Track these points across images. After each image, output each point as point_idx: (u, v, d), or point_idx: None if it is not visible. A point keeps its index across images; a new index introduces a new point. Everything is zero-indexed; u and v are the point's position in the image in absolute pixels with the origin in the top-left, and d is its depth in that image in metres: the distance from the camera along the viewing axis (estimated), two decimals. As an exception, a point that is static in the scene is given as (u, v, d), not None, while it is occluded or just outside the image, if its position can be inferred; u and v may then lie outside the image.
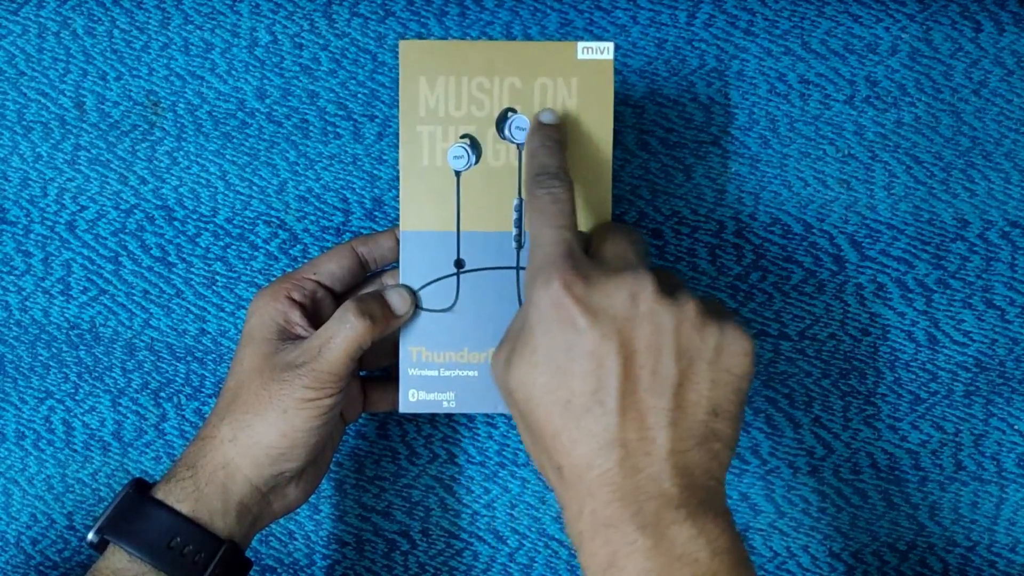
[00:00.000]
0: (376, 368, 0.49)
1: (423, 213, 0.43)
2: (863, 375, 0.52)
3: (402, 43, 0.43)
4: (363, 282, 0.47)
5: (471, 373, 0.43)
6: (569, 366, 0.34)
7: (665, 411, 0.34)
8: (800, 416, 0.52)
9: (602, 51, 0.43)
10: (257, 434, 0.41)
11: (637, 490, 0.34)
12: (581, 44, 0.43)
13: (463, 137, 0.43)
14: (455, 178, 0.43)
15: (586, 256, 0.37)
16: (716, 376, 0.35)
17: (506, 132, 0.43)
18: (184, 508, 0.41)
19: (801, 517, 0.53)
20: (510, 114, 0.43)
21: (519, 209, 0.43)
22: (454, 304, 0.43)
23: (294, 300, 0.43)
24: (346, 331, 0.41)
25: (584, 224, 0.43)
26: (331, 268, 0.45)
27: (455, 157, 0.43)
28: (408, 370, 0.43)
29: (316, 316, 0.44)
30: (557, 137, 0.41)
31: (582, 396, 0.34)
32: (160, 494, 0.41)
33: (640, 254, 0.38)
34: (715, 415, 0.35)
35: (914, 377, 0.52)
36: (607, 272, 0.35)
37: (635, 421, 0.34)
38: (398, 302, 0.42)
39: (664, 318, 0.35)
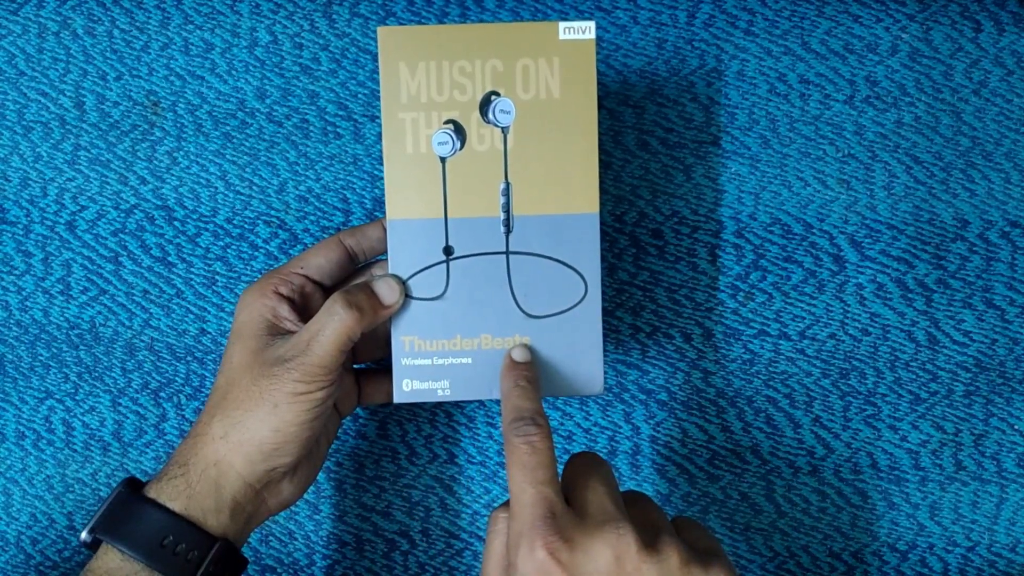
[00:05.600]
0: (370, 360, 0.49)
1: (409, 201, 0.43)
2: (863, 375, 0.52)
3: (380, 29, 0.42)
4: (353, 274, 0.47)
5: (465, 360, 0.43)
6: None
7: None
8: (800, 416, 0.52)
9: (584, 31, 0.42)
10: (248, 430, 0.41)
11: None
12: (563, 24, 0.42)
13: (447, 123, 0.43)
14: (440, 164, 0.43)
15: (567, 510, 0.36)
16: None
17: (490, 116, 0.42)
18: (176, 507, 0.41)
19: (801, 517, 0.53)
20: (493, 97, 0.42)
21: (506, 193, 0.43)
22: (445, 292, 0.43)
23: (282, 295, 0.43)
24: (334, 323, 0.40)
25: (573, 207, 0.43)
26: (319, 262, 0.45)
27: (439, 143, 0.43)
28: (401, 360, 0.43)
29: (305, 310, 0.44)
30: (530, 375, 0.41)
31: None
32: (152, 493, 0.41)
33: (617, 499, 0.38)
34: None
35: (914, 377, 0.52)
36: (589, 530, 0.35)
37: None
38: (386, 292, 0.42)
39: None
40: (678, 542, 0.36)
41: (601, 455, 0.52)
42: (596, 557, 0.35)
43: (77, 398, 0.53)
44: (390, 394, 0.44)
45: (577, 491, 0.38)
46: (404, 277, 0.43)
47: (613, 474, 0.39)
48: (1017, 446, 0.52)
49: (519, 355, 0.42)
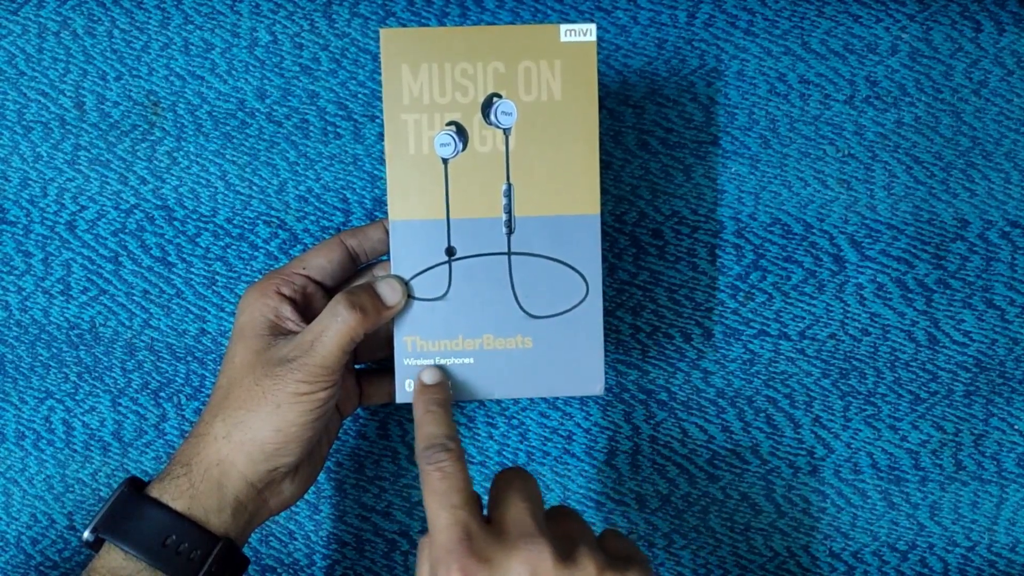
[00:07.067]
0: (372, 360, 0.49)
1: (412, 202, 0.43)
2: (863, 375, 0.52)
3: (383, 31, 0.42)
4: (355, 275, 0.47)
5: (466, 360, 0.43)
6: None
7: None
8: (800, 416, 0.52)
9: (585, 33, 0.43)
10: (251, 430, 0.41)
11: None
12: (564, 27, 0.42)
13: (449, 124, 0.43)
14: (443, 166, 0.43)
15: (484, 529, 0.37)
16: None
17: (492, 117, 0.43)
18: (179, 506, 0.41)
19: (801, 517, 0.53)
20: (495, 99, 0.43)
21: (508, 194, 0.43)
22: (447, 292, 0.43)
23: (284, 295, 0.43)
24: (337, 324, 0.41)
25: (574, 208, 0.43)
26: (320, 262, 0.45)
27: (442, 144, 0.43)
28: (403, 360, 0.43)
29: (307, 311, 0.44)
30: (440, 398, 0.41)
31: None
32: (155, 492, 0.41)
33: (537, 513, 0.38)
34: None
35: (914, 377, 0.52)
36: (506, 548, 0.36)
37: None
38: (388, 293, 0.42)
39: None
40: (595, 552, 0.36)
41: (601, 455, 0.53)
42: (512, 574, 0.35)
43: (77, 398, 0.53)
44: (391, 394, 0.44)
45: (499, 507, 0.38)
46: (406, 278, 0.43)
47: (536, 488, 0.39)
48: (1017, 446, 0.52)
49: (429, 377, 0.43)
